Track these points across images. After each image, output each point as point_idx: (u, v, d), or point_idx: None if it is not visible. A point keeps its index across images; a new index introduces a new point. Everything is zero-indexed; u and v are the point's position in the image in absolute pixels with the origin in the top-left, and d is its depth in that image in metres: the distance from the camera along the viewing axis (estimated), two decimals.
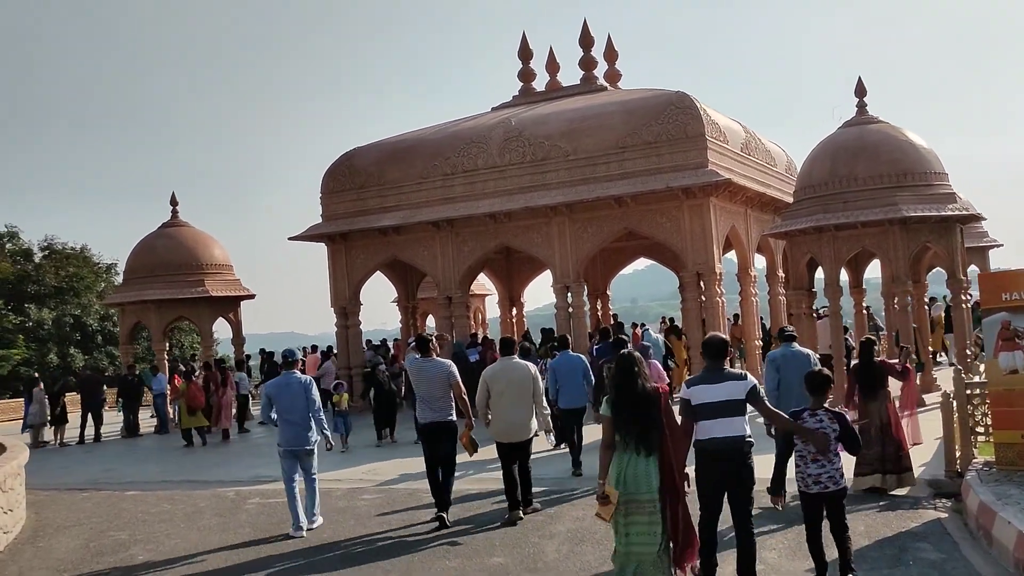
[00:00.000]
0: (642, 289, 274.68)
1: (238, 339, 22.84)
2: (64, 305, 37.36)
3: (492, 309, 34.82)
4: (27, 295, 36.25)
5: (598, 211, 19.12)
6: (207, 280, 21.50)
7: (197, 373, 18.59)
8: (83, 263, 39.70)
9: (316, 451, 9.06)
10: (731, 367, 6.75)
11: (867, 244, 14.67)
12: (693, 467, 5.98)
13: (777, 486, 6.00)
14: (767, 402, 6.11)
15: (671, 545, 5.74)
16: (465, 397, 8.77)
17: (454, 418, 8.80)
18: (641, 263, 29.86)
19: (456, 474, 9.21)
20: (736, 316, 22.87)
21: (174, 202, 22.43)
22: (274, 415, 8.86)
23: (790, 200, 22.92)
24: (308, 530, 8.78)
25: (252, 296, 22.72)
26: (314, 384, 9.19)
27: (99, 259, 41.37)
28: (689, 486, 5.90)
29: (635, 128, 18.76)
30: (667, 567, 5.69)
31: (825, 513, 6.03)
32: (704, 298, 18.50)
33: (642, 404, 5.73)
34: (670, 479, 5.71)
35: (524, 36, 23.50)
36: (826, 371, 6.44)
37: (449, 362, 9.04)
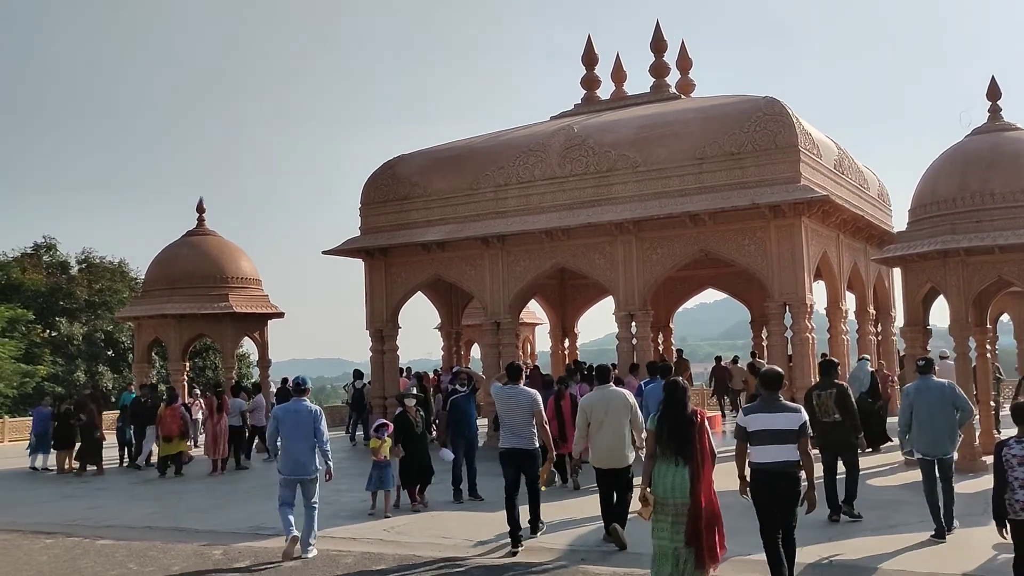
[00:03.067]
0: (692, 328, 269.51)
1: (263, 361, 20.85)
2: (97, 320, 35.91)
3: (542, 340, 32.54)
4: (58, 308, 34.84)
5: (670, 230, 16.76)
6: (232, 295, 19.59)
7: (203, 395, 16.64)
8: (119, 277, 38.34)
9: (319, 480, 8.92)
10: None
11: (1005, 273, 12.07)
12: (749, 484, 6.73)
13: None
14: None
15: (697, 542, 6.32)
16: (547, 427, 9.14)
17: (537, 447, 9.01)
18: (705, 296, 27.14)
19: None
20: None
21: (200, 209, 20.64)
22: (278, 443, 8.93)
23: (887, 227, 20.50)
24: (303, 558, 8.62)
25: (281, 315, 20.73)
26: (323, 415, 8.99)
27: (136, 274, 40.01)
28: (748, 496, 6.74)
29: (715, 137, 16.42)
30: (686, 560, 6.37)
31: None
32: (792, 332, 15.95)
33: (684, 423, 6.57)
34: (699, 488, 6.38)
35: (589, 39, 21.42)
36: None
37: (534, 391, 9.21)
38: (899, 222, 22.74)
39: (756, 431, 6.63)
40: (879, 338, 21.05)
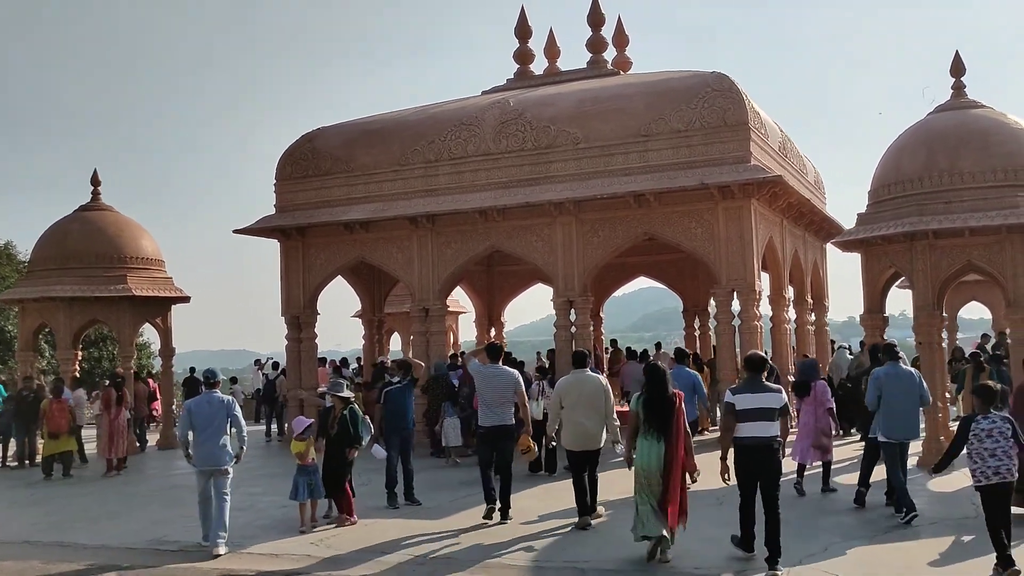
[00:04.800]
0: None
1: (166, 350, 18.99)
2: None
3: (466, 328, 31.34)
4: None
5: (612, 211, 15.76)
6: (130, 276, 17.66)
7: (109, 389, 14.94)
8: (5, 260, 35.32)
9: (231, 471, 8.92)
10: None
11: (975, 257, 11.47)
12: (732, 459, 7.36)
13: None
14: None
15: (665, 506, 7.42)
16: (528, 406, 9.84)
17: (513, 422, 9.48)
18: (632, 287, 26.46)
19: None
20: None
21: (95, 181, 18.58)
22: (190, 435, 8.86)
23: (831, 214, 20.00)
24: (214, 554, 8.40)
25: (186, 299, 18.91)
26: (236, 404, 9.01)
27: (25, 256, 36.94)
28: (729, 478, 7.41)
29: (662, 113, 15.48)
30: (661, 519, 7.45)
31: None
32: (740, 320, 15.16)
33: (666, 403, 7.60)
34: (672, 459, 7.47)
35: (523, 11, 20.22)
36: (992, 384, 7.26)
37: (516, 371, 9.84)
38: (832, 212, 22.38)
39: (744, 409, 7.28)
40: (814, 328, 20.58)
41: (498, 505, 9.34)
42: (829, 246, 21.54)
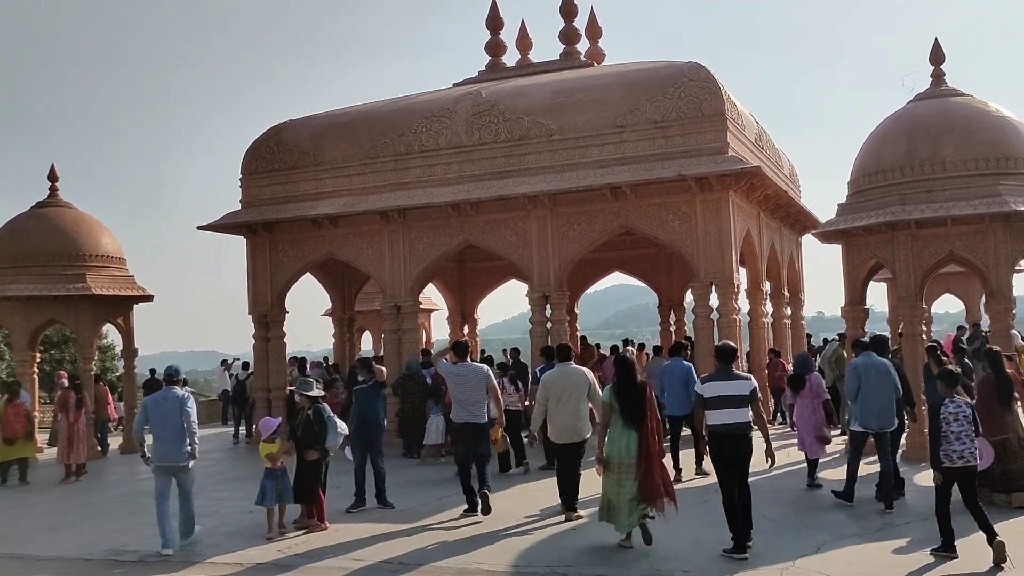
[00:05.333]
0: None
1: (128, 351, 18.39)
2: None
3: (439, 326, 30.87)
4: None
5: (588, 204, 15.44)
6: (90, 275, 17.03)
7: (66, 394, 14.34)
8: None
9: (192, 469, 8.83)
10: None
11: (957, 247, 11.26)
12: (708, 445, 7.67)
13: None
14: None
15: (644, 492, 7.60)
16: (500, 399, 9.89)
17: (487, 420, 9.56)
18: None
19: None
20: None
21: (53, 177, 17.92)
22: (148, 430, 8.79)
23: (807, 207, 19.81)
24: (183, 545, 8.54)
25: (149, 298, 18.31)
26: (192, 399, 8.94)
27: None
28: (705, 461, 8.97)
29: (637, 103, 15.17)
30: (639, 507, 7.63)
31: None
32: (719, 314, 14.90)
33: (637, 393, 7.81)
34: (646, 448, 7.66)
35: (494, 2, 19.83)
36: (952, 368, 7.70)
37: (486, 367, 9.89)
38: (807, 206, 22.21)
39: (712, 397, 7.48)
40: (790, 322, 20.42)
41: (480, 501, 9.34)
42: (807, 239, 21.42)
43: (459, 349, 9.92)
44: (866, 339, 10.56)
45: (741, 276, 16.06)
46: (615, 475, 7.69)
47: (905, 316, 11.41)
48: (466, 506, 9.44)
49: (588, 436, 9.12)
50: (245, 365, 20.51)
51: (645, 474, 7.55)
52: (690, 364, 12.32)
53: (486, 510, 9.26)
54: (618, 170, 14.98)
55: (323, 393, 9.76)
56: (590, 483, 9.08)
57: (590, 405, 9.11)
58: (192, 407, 8.80)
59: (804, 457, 10.56)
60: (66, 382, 17.17)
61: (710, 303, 14.98)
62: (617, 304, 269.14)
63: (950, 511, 7.06)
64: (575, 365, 9.34)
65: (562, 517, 9.00)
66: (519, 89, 16.52)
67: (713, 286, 14.80)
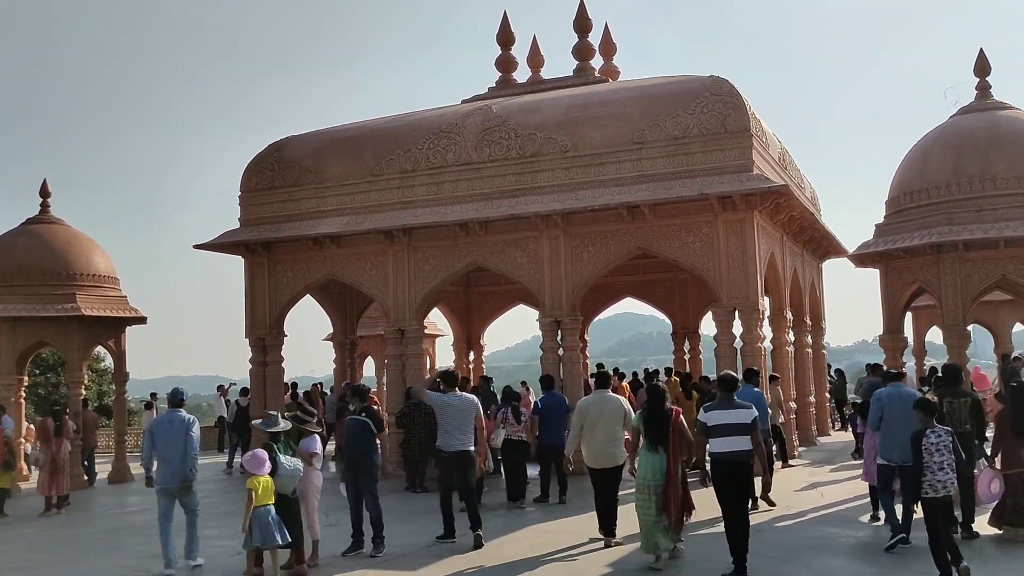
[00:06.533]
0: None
1: (119, 374, 17.55)
2: None
3: (444, 352, 30.02)
4: None
5: (604, 224, 14.63)
6: (80, 295, 16.24)
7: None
8: None
9: (194, 487, 8.96)
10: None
11: (1009, 272, 10.42)
12: (710, 472, 7.83)
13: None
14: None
15: (669, 513, 7.98)
16: (484, 430, 9.96)
17: (473, 448, 9.57)
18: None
19: None
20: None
21: (45, 192, 17.19)
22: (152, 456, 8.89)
23: (831, 231, 18.90)
24: (195, 566, 8.68)
25: (142, 320, 17.49)
26: (196, 423, 8.99)
27: None
28: (708, 483, 7.91)
29: (656, 119, 14.41)
30: (665, 527, 7.98)
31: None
32: (743, 342, 14.02)
33: (664, 419, 8.17)
34: (673, 471, 8.02)
35: (505, 16, 19.19)
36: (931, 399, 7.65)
37: (474, 397, 10.03)
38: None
39: (715, 425, 7.65)
40: (811, 352, 19.50)
41: (473, 532, 9.31)
42: (839, 262, 20.58)
43: (449, 378, 9.83)
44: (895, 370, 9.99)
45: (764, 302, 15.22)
46: (644, 496, 8.07)
47: (952, 345, 10.54)
48: (442, 531, 9.51)
49: (623, 462, 9.19)
50: (244, 391, 19.65)
51: (665, 495, 7.94)
52: (761, 392, 11.88)
53: (478, 538, 9.25)
54: (636, 188, 14.20)
55: (285, 428, 8.69)
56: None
57: (626, 433, 9.17)
58: (196, 432, 8.95)
59: (868, 489, 9.95)
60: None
61: (733, 330, 14.10)
62: (621, 332, 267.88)
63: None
64: (611, 392, 9.49)
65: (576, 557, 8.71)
66: (531, 104, 15.78)
67: (736, 312, 13.95)
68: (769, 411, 12.11)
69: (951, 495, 7.12)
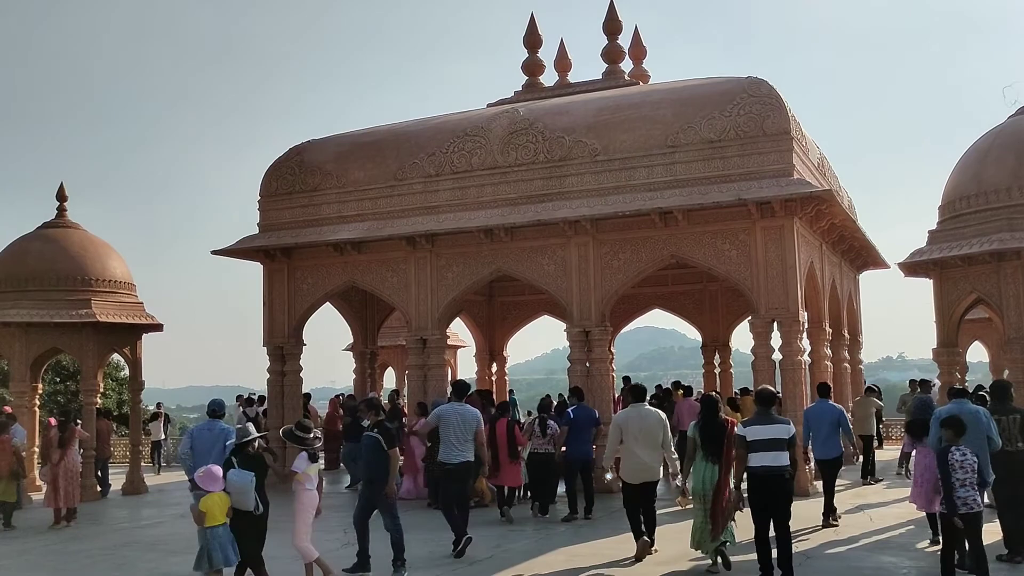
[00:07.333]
0: (560, 362, 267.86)
1: (135, 383, 17.09)
2: None
3: (466, 363, 29.45)
4: None
5: (635, 230, 14.05)
6: (95, 301, 15.82)
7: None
8: None
9: None
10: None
11: None
12: (746, 488, 7.70)
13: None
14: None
15: (715, 523, 8.18)
16: (484, 444, 10.19)
17: (472, 459, 9.62)
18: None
19: None
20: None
21: (62, 196, 16.82)
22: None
23: (870, 240, 18.14)
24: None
25: (159, 327, 17.06)
26: (234, 435, 8.64)
27: None
28: (744, 505, 7.82)
29: (691, 121, 13.83)
30: (710, 531, 8.24)
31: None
32: (781, 355, 13.35)
33: (719, 430, 8.33)
34: (724, 480, 8.22)
35: (532, 19, 18.70)
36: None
37: (477, 411, 9.94)
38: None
39: (754, 440, 7.59)
40: (849, 367, 18.74)
41: (458, 540, 9.40)
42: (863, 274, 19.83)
43: (460, 389, 10.07)
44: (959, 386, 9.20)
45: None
46: (700, 504, 8.28)
47: (1016, 360, 9.81)
48: (453, 542, 9.42)
49: (660, 477, 9.23)
50: (261, 400, 19.17)
51: (713, 508, 8.10)
52: (840, 407, 11.49)
53: (461, 555, 9.23)
54: (668, 193, 13.60)
55: (252, 438, 8.07)
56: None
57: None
58: (232, 443, 8.67)
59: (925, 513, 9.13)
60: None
61: (771, 343, 13.43)
62: (641, 347, 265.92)
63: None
64: (648, 407, 9.37)
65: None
66: (560, 107, 15.25)
67: (775, 323, 13.28)
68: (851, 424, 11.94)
69: (975, 512, 7.03)
